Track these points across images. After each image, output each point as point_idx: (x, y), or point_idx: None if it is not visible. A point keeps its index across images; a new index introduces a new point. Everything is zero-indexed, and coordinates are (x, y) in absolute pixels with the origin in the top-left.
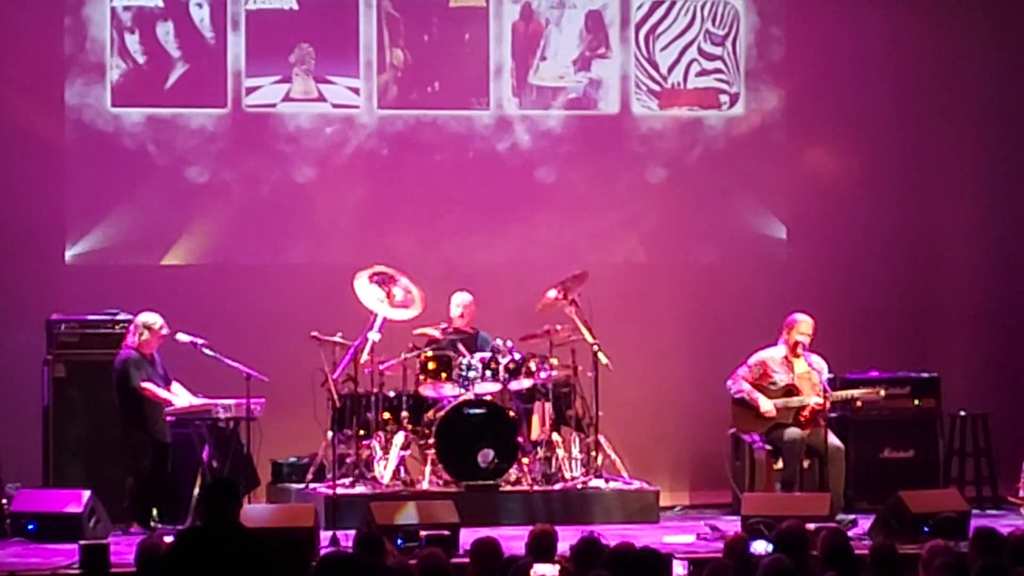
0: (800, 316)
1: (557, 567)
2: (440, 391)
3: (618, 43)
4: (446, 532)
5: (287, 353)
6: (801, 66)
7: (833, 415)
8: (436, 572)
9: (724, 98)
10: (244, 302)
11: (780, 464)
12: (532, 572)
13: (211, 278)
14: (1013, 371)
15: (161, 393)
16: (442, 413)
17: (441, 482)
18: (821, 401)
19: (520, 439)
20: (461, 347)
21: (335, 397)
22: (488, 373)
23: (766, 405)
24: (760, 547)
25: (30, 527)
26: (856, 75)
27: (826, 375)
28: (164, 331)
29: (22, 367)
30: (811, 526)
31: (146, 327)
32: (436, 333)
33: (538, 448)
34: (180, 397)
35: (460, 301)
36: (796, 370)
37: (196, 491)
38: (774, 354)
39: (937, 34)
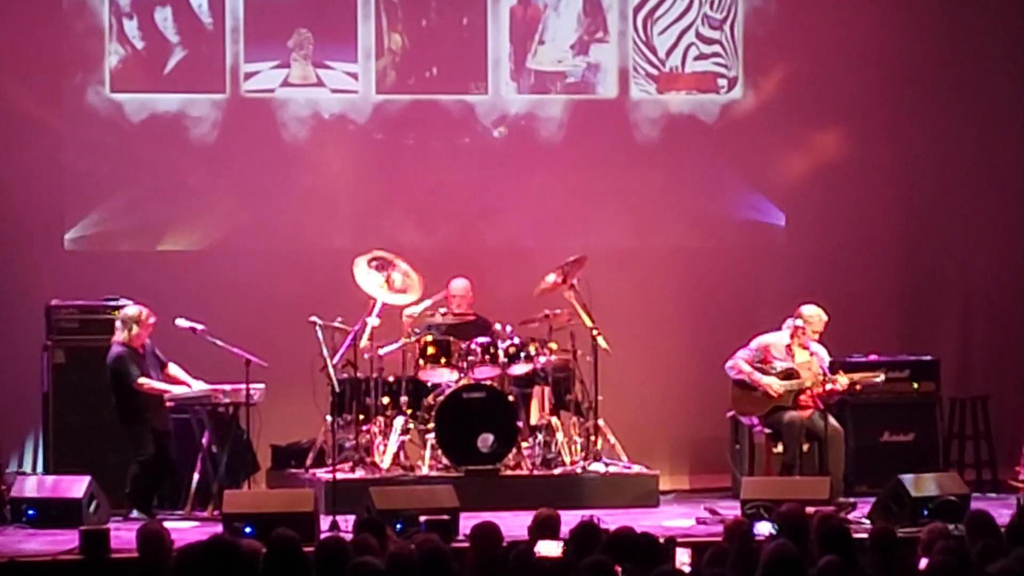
0: (811, 307)
1: (560, 544)
2: (439, 376)
3: (616, 27)
4: (446, 517)
5: (286, 338)
6: (799, 50)
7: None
8: (434, 557)
9: (722, 82)
10: (243, 287)
11: (780, 448)
12: (536, 550)
13: (210, 263)
14: (1012, 354)
15: (159, 385)
16: (441, 398)
17: (441, 467)
18: (822, 390)
19: (519, 424)
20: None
21: (334, 382)
22: (487, 358)
23: (769, 381)
24: (763, 529)
25: (30, 513)
26: (854, 59)
27: (827, 362)
28: (152, 319)
29: (21, 353)
30: (810, 510)
31: (134, 321)
32: (436, 317)
33: (537, 432)
34: (178, 385)
35: (462, 287)
36: (797, 359)
37: (196, 477)
38: (777, 340)
39: (936, 17)
